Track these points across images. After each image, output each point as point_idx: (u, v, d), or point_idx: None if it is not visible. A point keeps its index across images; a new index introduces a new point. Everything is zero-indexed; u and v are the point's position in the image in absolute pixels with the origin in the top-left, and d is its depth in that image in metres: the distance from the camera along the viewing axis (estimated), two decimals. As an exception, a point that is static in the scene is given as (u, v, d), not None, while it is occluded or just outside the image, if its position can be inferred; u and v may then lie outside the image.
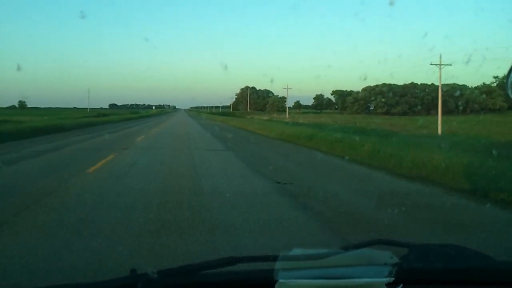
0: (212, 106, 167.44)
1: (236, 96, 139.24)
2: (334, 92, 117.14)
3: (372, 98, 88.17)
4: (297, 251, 1.39)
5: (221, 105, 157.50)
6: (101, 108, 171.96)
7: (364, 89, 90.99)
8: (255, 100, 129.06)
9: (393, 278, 1.28)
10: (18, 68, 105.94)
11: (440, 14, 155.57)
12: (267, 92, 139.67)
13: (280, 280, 1.27)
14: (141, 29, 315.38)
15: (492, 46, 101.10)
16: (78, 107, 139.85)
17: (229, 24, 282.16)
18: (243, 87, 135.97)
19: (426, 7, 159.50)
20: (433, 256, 1.41)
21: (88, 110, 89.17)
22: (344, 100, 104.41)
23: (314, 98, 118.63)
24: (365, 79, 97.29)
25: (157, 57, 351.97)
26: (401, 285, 1.28)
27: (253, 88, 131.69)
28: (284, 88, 77.78)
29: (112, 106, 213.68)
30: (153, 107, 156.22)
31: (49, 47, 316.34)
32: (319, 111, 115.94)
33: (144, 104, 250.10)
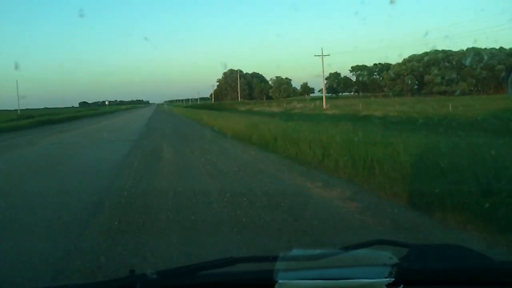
0: (189, 99, 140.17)
1: (218, 83, 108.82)
2: (355, 68, 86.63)
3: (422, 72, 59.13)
4: (296, 252, 1.43)
5: (198, 97, 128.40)
6: (72, 107, 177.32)
7: (409, 60, 61.85)
8: (242, 87, 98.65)
9: (393, 279, 1.31)
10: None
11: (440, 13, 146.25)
12: (257, 76, 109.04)
13: (280, 281, 1.31)
14: (114, 24, 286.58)
15: (492, 46, 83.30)
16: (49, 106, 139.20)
17: (202, 8, 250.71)
18: (226, 71, 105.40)
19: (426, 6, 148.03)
20: (433, 256, 1.45)
21: (18, 112, 70.88)
22: (373, 78, 74.95)
23: (327, 79, 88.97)
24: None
25: (129, 52, 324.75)
26: (402, 285, 1.32)
27: (240, 71, 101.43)
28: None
29: (83, 104, 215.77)
30: (106, 102, 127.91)
31: (15, 47, 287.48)
32: (334, 95, 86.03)
33: (116, 101, 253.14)
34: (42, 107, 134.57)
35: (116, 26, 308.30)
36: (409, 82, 65.23)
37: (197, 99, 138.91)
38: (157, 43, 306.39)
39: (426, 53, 65.59)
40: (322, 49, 49.15)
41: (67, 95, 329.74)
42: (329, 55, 55.24)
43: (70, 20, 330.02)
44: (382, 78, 73.00)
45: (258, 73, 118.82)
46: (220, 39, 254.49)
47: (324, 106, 44.70)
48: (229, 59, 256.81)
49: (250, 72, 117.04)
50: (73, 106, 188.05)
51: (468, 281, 1.39)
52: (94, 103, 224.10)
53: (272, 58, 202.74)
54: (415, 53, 69.33)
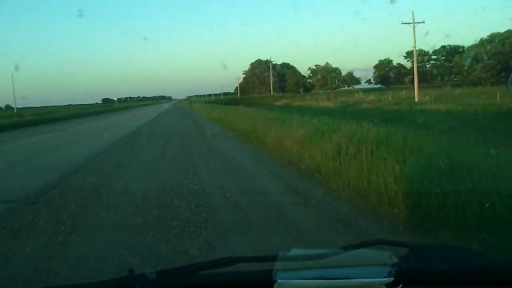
0: (211, 94, 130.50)
1: (244, 75, 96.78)
2: (410, 54, 71.47)
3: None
4: (296, 251, 1.42)
5: (222, 92, 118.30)
6: (96, 103, 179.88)
7: (490, 40, 47.72)
8: (273, 79, 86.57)
9: (392, 278, 1.30)
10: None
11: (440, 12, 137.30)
12: (288, 67, 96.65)
13: (279, 281, 1.30)
14: (134, 23, 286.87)
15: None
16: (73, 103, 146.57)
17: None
18: (253, 61, 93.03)
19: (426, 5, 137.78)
20: (433, 256, 1.43)
21: (15, 110, 66.97)
22: (438, 64, 60.84)
23: (375, 67, 75.25)
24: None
25: (151, 48, 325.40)
26: (401, 285, 1.31)
27: (268, 62, 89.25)
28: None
29: (105, 100, 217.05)
30: (115, 99, 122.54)
31: (46, 46, 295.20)
32: (384, 86, 72.12)
33: (139, 97, 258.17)
34: (66, 104, 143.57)
35: (136, 26, 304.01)
36: (491, 68, 49.73)
37: (220, 93, 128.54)
38: (179, 40, 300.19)
39: (511, 31, 50.68)
40: (413, 14, 35.05)
41: (91, 92, 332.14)
42: (423, 22, 39.09)
43: (97, 21, 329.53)
44: (454, 64, 57.05)
45: (288, 64, 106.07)
46: (244, 31, 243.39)
47: (416, 98, 31.77)
48: (253, 51, 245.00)
49: (279, 63, 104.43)
50: (96, 103, 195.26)
51: (468, 281, 1.37)
52: (117, 99, 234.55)
53: (301, 48, 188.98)
54: (495, 31, 54.27)
